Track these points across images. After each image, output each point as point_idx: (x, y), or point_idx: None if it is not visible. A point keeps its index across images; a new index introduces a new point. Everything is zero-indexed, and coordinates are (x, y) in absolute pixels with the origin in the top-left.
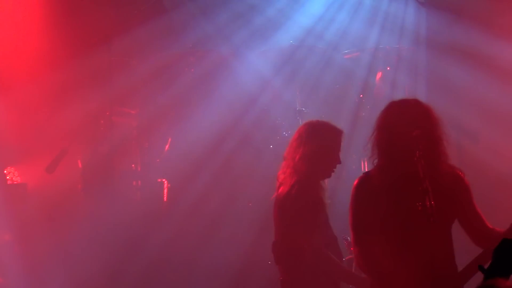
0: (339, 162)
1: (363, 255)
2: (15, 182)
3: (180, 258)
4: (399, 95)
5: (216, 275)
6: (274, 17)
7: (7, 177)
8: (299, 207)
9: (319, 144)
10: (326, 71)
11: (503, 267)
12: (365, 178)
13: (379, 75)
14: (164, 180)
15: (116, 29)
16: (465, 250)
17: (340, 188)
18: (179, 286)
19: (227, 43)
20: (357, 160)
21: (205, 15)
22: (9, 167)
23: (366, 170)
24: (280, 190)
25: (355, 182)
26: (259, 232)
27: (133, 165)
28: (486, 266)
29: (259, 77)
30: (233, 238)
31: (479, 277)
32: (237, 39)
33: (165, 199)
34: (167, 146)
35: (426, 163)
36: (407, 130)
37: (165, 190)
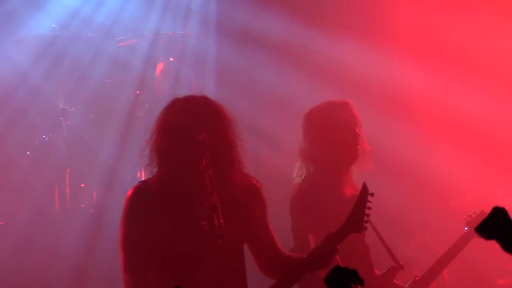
0: None
1: (135, 283)
2: None
3: None
4: (183, 91)
5: None
6: None
7: None
8: None
9: None
10: (95, 62)
11: None
12: (141, 189)
13: (160, 67)
14: None
15: None
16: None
17: (112, 203)
18: None
19: None
20: (132, 170)
21: None
22: None
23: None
24: None
25: (129, 193)
26: (39, 250)
27: None
28: None
29: (13, 69)
30: (16, 259)
31: None
32: None
33: None
34: None
35: (215, 172)
36: (193, 133)
37: None
